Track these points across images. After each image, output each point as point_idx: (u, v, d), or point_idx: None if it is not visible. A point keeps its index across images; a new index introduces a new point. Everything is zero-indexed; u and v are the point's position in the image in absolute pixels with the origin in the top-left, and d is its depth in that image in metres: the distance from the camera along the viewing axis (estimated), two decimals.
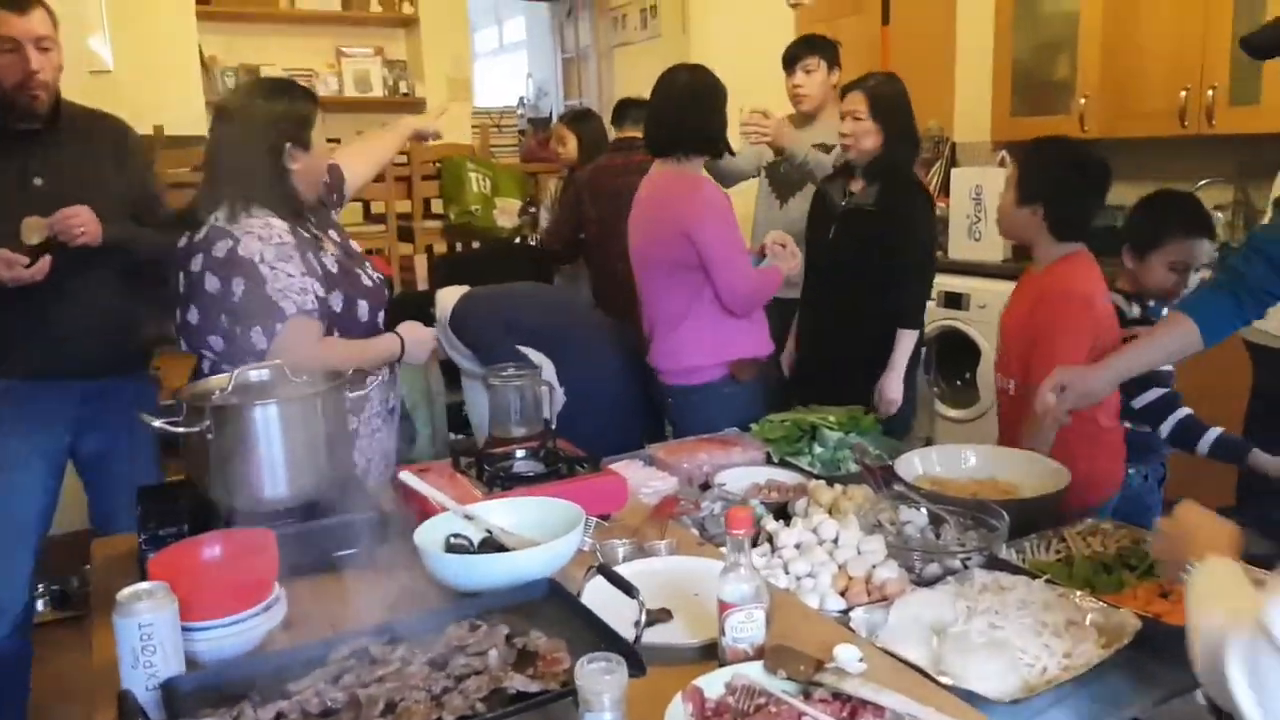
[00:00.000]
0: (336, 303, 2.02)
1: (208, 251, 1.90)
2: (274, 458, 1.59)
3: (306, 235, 2.01)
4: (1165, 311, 2.39)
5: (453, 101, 5.71)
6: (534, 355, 2.79)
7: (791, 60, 3.58)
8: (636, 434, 2.77)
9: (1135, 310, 2.47)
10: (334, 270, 2.04)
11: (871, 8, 4.68)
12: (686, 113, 2.65)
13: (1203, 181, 4.09)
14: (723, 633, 1.30)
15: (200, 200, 1.98)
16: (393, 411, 2.22)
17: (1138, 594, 1.60)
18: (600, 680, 1.06)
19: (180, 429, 1.55)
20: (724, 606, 1.29)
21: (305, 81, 5.76)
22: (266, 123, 1.95)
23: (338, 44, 5.82)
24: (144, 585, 1.22)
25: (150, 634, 1.19)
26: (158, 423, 1.54)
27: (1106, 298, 2.30)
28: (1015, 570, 1.65)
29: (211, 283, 1.89)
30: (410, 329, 2.20)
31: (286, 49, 5.65)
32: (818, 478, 2.13)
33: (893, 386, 2.83)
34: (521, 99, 8.46)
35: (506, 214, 4.91)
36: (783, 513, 1.98)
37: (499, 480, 1.80)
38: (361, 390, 1.81)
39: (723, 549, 1.75)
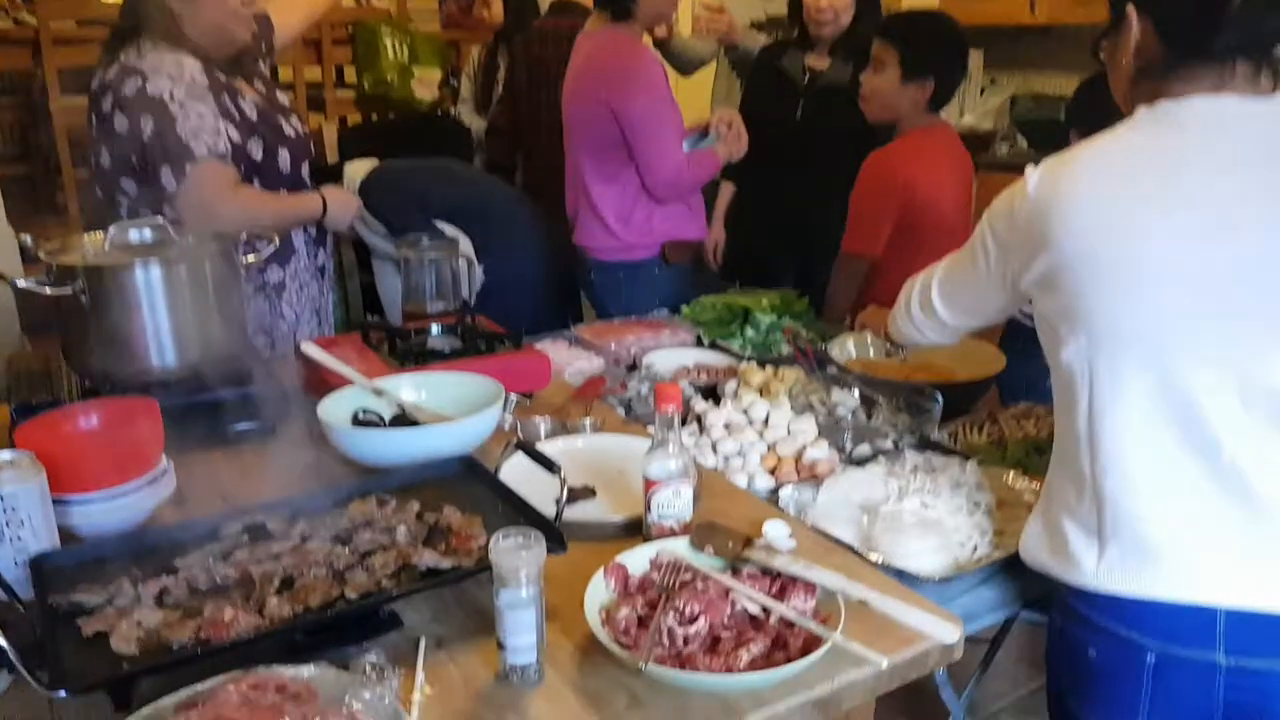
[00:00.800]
0: (256, 150, 1.93)
1: (117, 89, 1.80)
2: (157, 323, 1.46)
3: (221, 79, 1.90)
4: None
5: None
6: (450, 230, 2.64)
7: None
8: (559, 316, 2.67)
9: None
10: (252, 117, 1.93)
11: None
12: None
13: None
14: (648, 509, 1.23)
15: (110, 38, 1.88)
16: (323, 270, 2.14)
17: None
18: (516, 555, 0.98)
19: (50, 289, 1.40)
20: (650, 484, 1.22)
21: None
22: None
23: None
24: (4, 454, 1.10)
25: (15, 506, 1.07)
26: (23, 282, 1.38)
27: (951, 183, 2.29)
28: (947, 451, 1.62)
29: (121, 122, 1.79)
30: (333, 191, 2.10)
31: None
32: (749, 360, 2.07)
33: None
34: None
35: (425, 85, 4.64)
36: (712, 394, 1.92)
37: (412, 356, 1.68)
38: (262, 251, 1.66)
39: (649, 428, 1.70)
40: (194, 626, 0.97)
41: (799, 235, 2.79)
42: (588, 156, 2.50)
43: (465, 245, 2.62)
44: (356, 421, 1.49)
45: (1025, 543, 1.22)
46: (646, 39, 2.58)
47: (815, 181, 2.73)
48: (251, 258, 1.62)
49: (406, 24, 4.61)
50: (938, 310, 1.42)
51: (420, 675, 1.01)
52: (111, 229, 1.48)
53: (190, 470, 1.39)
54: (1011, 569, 1.34)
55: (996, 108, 4.58)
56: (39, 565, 1.06)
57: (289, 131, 2.00)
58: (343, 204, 2.10)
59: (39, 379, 1.46)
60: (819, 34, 2.74)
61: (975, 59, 4.36)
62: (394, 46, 4.42)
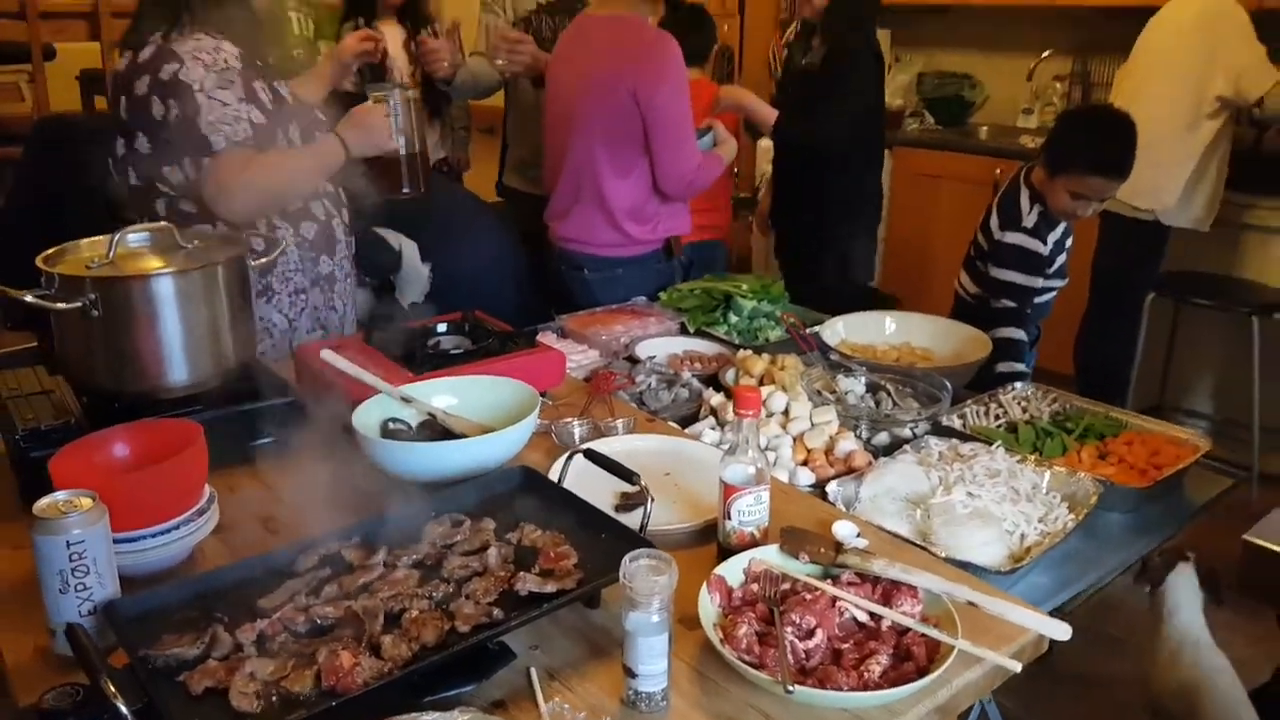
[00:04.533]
0: (294, 133, 1.85)
1: (154, 74, 1.73)
2: (172, 337, 1.34)
3: (255, 66, 1.83)
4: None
5: None
6: (392, 237, 2.53)
7: None
8: (519, 309, 2.61)
9: (1045, 247, 2.28)
10: (287, 97, 1.87)
11: None
12: None
13: (1046, 52, 4.21)
14: (728, 516, 1.21)
15: (138, 19, 1.81)
16: (329, 278, 1.99)
17: (1081, 456, 1.65)
18: (650, 580, 0.95)
19: (57, 304, 1.27)
20: (730, 490, 1.21)
21: None
22: None
23: None
24: (64, 495, 1.00)
25: (82, 551, 0.98)
26: (30, 296, 1.25)
27: None
28: (965, 438, 1.66)
29: (158, 107, 1.73)
30: (346, 119, 1.89)
31: None
32: (737, 347, 2.07)
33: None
34: None
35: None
36: (711, 383, 1.91)
37: (428, 360, 1.61)
38: (267, 259, 1.56)
39: (671, 424, 1.69)
40: (313, 675, 0.91)
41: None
42: (603, 148, 2.32)
43: (410, 251, 2.52)
44: (386, 432, 1.42)
45: None
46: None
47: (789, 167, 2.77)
48: (262, 261, 1.52)
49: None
50: None
51: (544, 709, 0.98)
52: (115, 235, 1.35)
53: (218, 493, 1.30)
54: (1054, 554, 1.40)
55: (904, 85, 4.69)
56: (113, 615, 0.98)
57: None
58: (364, 128, 1.87)
59: (35, 396, 1.33)
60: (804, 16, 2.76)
61: (883, 38, 4.44)
62: (299, 21, 4.19)
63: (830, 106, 2.63)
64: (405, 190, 2.08)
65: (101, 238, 1.40)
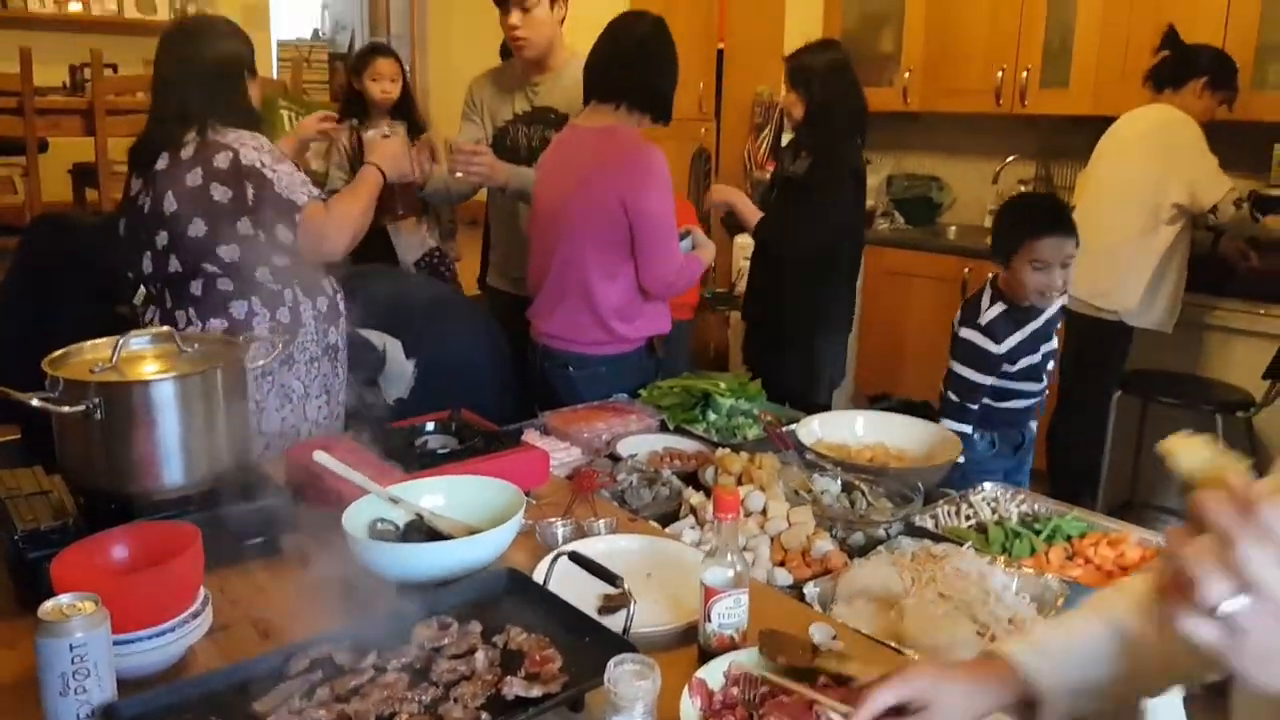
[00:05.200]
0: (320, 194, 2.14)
1: (207, 165, 1.99)
2: (171, 439, 1.39)
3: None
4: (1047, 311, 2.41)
5: (254, 30, 5.24)
6: (376, 338, 2.60)
7: None
8: (501, 405, 2.67)
9: (999, 347, 2.36)
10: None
11: None
12: (647, 63, 2.43)
13: (1010, 158, 4.39)
14: (708, 619, 1.25)
15: (163, 124, 2.06)
16: (334, 348, 2.25)
17: (1049, 557, 1.70)
18: (634, 686, 0.99)
19: (62, 408, 1.32)
20: (710, 592, 1.25)
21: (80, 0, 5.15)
22: (234, 52, 2.10)
23: None
24: (68, 599, 1.03)
25: (84, 655, 1.00)
26: (35, 400, 1.30)
27: None
28: (938, 538, 1.71)
29: (221, 192, 1.98)
30: (376, 151, 2.28)
31: None
32: (716, 444, 2.12)
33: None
34: (316, 31, 7.90)
35: (318, 156, 4.58)
36: (691, 481, 1.96)
37: (415, 459, 1.66)
38: (271, 355, 1.63)
39: (652, 523, 1.73)
40: None
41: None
42: (593, 251, 2.42)
43: (393, 348, 2.59)
44: (374, 533, 1.46)
45: None
46: None
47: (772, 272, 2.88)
48: (261, 362, 1.57)
49: (301, 95, 4.54)
50: None
51: None
52: (119, 339, 1.40)
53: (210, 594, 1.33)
54: None
55: (875, 187, 4.86)
56: (113, 718, 1.00)
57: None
58: (391, 157, 2.27)
59: (35, 497, 1.37)
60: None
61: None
62: (290, 119, 4.34)
63: (810, 220, 2.76)
64: (401, 212, 2.58)
65: (104, 340, 1.45)
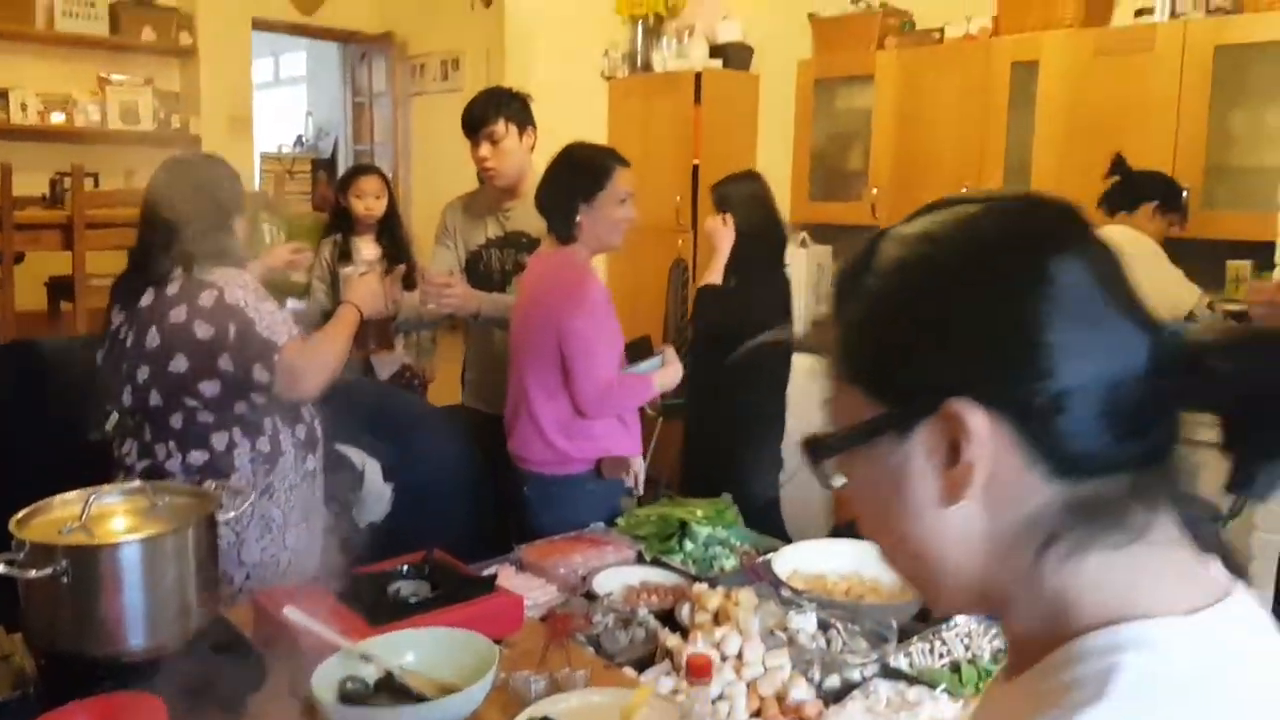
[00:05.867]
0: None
1: (192, 302, 2.03)
2: (138, 602, 1.37)
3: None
4: None
5: (239, 141, 5.36)
6: (356, 456, 2.61)
7: (474, 126, 2.88)
8: (479, 526, 2.66)
9: None
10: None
11: (685, 86, 4.81)
12: (547, 191, 2.56)
13: None
14: None
15: (149, 260, 2.10)
16: (314, 474, 2.26)
17: None
18: None
19: (29, 572, 1.30)
20: None
21: (63, 110, 5.24)
22: (227, 196, 2.17)
23: (102, 70, 5.30)
24: None
25: None
26: (1, 566, 1.29)
27: None
28: (913, 681, 1.70)
29: (204, 329, 2.01)
30: (352, 289, 2.33)
31: (43, 73, 5.08)
32: (694, 578, 2.12)
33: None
34: (300, 138, 8.06)
35: (302, 269, 4.62)
36: (668, 618, 1.95)
37: (385, 609, 1.64)
38: (239, 507, 1.63)
39: (628, 670, 1.72)
40: None
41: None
42: (532, 372, 2.54)
43: (372, 469, 2.59)
44: (344, 693, 1.43)
45: None
46: None
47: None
48: (231, 514, 1.57)
49: (283, 208, 4.61)
50: None
51: None
52: (90, 496, 1.40)
53: None
54: None
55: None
56: None
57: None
58: (368, 296, 2.30)
59: None
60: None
61: (825, 254, 4.74)
62: (270, 232, 4.39)
63: (738, 333, 2.85)
64: (374, 346, 2.71)
65: (74, 495, 1.44)
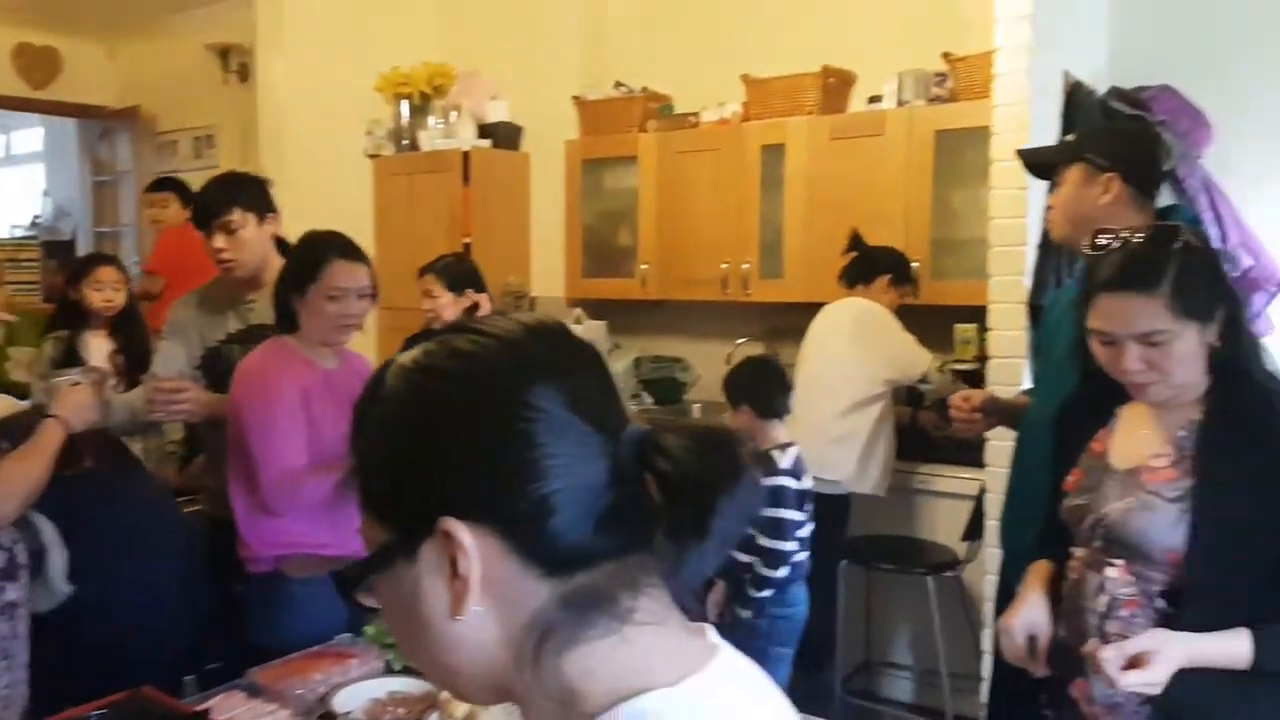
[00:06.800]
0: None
1: None
2: None
3: None
4: None
5: None
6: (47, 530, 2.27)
7: (206, 217, 2.67)
8: (201, 644, 2.47)
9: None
10: None
11: (454, 165, 4.78)
12: (278, 279, 2.44)
13: (740, 340, 4.66)
14: None
15: None
16: (12, 606, 2.02)
17: None
18: None
19: None
20: None
21: None
22: None
23: None
24: None
25: None
26: None
27: None
28: None
29: None
30: (61, 402, 2.14)
31: None
32: None
33: None
34: (35, 219, 7.44)
35: (21, 366, 4.22)
36: None
37: None
38: None
39: None
40: None
41: None
42: (231, 458, 2.39)
43: (49, 533, 2.24)
44: None
45: None
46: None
47: None
48: None
49: (11, 305, 4.21)
50: None
51: None
52: None
53: None
54: None
55: (624, 369, 5.03)
56: None
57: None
58: (77, 408, 2.13)
59: None
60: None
61: (600, 329, 4.81)
62: None
63: None
64: (88, 463, 2.34)
65: None
